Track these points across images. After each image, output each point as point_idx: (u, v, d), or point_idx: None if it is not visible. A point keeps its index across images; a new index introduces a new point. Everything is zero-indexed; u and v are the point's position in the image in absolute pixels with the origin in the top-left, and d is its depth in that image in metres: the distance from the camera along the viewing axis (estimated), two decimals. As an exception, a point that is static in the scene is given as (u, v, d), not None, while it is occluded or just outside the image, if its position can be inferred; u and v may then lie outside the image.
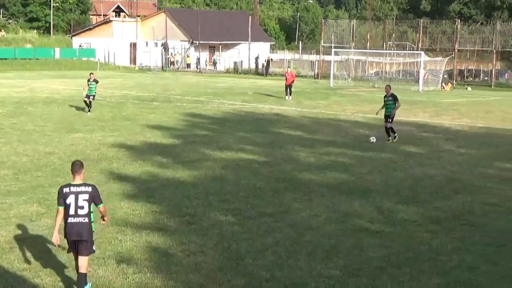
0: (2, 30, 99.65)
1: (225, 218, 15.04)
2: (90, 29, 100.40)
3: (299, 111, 39.22)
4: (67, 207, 10.19)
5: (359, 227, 14.60)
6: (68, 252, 10.72)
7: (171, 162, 21.74)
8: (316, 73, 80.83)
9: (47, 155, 22.55)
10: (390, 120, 27.22)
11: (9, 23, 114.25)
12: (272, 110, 39.44)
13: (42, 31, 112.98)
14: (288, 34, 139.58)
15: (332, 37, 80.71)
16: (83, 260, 10.30)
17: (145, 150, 24.05)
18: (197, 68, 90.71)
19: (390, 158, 23.57)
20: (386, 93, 27.99)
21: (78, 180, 10.39)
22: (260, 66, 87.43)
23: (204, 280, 11.12)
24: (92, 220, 10.37)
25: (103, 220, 10.90)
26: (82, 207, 10.19)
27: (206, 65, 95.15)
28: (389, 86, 28.78)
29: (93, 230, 10.47)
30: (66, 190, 10.28)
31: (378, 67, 77.65)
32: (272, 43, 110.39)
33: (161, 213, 15.34)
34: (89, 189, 10.35)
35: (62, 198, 10.26)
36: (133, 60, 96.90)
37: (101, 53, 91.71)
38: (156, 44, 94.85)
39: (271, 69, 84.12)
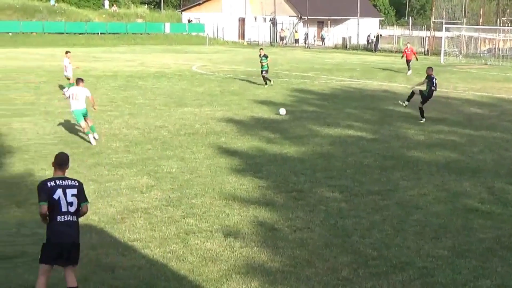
0: (115, 5, 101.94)
1: (332, 195, 15.00)
2: (199, 4, 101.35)
3: (408, 88, 38.51)
4: (55, 204, 8.64)
5: (468, 207, 14.29)
6: (43, 261, 8.79)
7: (278, 137, 21.80)
8: (426, 49, 79.35)
9: (157, 128, 22.99)
10: (422, 100, 25.88)
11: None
12: (380, 87, 38.96)
13: (152, 6, 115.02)
14: (398, 10, 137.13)
15: (443, 12, 78.92)
16: (72, 272, 8.87)
17: (252, 125, 24.20)
18: (305, 43, 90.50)
19: (502, 137, 22.94)
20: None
21: (60, 175, 8.96)
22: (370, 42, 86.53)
23: (310, 256, 11.12)
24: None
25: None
26: (71, 204, 8.74)
27: (314, 40, 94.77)
28: (430, 68, 26.73)
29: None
30: (51, 183, 8.73)
31: (491, 43, 75.45)
32: (381, 18, 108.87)
33: (268, 188, 15.42)
34: (77, 183, 8.93)
35: (45, 193, 8.67)
36: (242, 35, 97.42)
37: (210, 28, 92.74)
38: (264, 19, 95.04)
39: (380, 45, 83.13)
